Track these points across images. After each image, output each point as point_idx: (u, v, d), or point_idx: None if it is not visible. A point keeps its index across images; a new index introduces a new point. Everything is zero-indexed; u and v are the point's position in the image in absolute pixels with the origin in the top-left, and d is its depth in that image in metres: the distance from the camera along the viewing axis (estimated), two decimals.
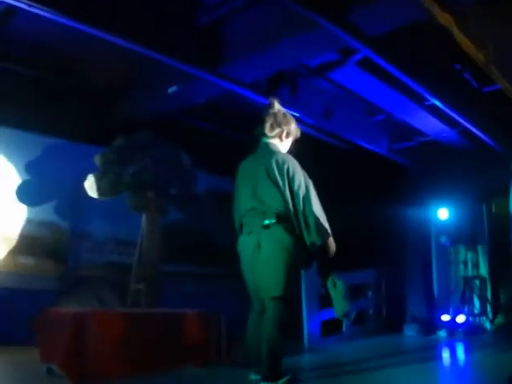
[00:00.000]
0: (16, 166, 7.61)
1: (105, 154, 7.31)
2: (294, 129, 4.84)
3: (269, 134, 4.76)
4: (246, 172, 4.88)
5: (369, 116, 8.95)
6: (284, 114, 4.83)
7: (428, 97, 7.38)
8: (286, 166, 4.50)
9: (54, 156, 7.88)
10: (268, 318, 4.38)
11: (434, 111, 8.05)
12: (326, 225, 4.49)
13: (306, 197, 4.47)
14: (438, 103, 7.46)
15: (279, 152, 4.70)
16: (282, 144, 4.81)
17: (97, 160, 7.29)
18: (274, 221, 4.40)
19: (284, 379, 4.26)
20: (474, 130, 8.29)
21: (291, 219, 4.41)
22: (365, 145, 9.20)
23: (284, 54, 6.23)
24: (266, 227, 4.42)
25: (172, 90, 7.16)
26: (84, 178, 7.22)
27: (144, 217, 7.56)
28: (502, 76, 6.46)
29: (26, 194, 7.60)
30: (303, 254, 4.48)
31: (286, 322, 4.46)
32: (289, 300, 4.42)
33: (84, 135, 7.91)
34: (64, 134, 7.94)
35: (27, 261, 7.49)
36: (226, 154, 9.04)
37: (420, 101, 7.78)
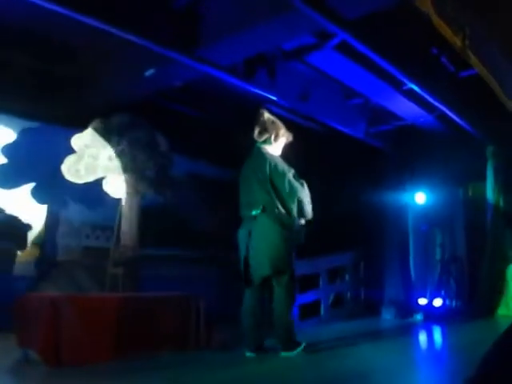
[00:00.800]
0: None
1: (81, 137, 7.26)
2: (282, 133, 5.79)
3: (258, 139, 5.75)
4: (243, 174, 5.77)
5: (346, 100, 8.95)
6: (272, 121, 5.78)
7: (405, 81, 7.38)
8: (271, 165, 5.51)
9: (31, 139, 7.81)
10: (276, 294, 5.41)
11: (411, 95, 8.07)
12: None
13: (291, 187, 5.51)
14: (415, 87, 7.47)
15: (266, 153, 5.65)
16: (272, 147, 5.76)
17: (73, 143, 7.24)
18: (259, 211, 5.41)
19: (300, 348, 5.35)
20: (450, 114, 8.32)
21: (276, 208, 5.40)
22: (342, 128, 9.20)
23: (261, 36, 6.19)
24: (254, 217, 5.44)
25: (149, 72, 7.10)
26: (61, 162, 7.17)
27: (121, 200, 7.53)
28: (479, 61, 6.50)
29: (1, 177, 7.53)
30: (289, 237, 5.43)
31: (292, 296, 5.52)
32: (289, 275, 5.42)
33: (61, 118, 7.83)
34: (41, 116, 7.87)
35: (2, 246, 7.43)
36: (204, 138, 9.04)
37: (397, 85, 7.79)
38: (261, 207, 5.41)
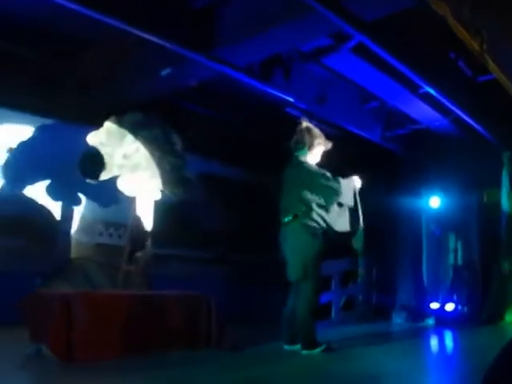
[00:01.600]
0: (7, 145, 7.56)
1: (96, 135, 7.27)
2: (317, 143, 5.97)
3: (294, 148, 5.99)
4: (283, 182, 6.00)
5: (362, 103, 8.93)
6: (308, 131, 5.98)
7: (422, 84, 7.36)
8: (304, 174, 5.83)
9: (46, 136, 7.84)
10: (299, 297, 5.64)
11: (427, 99, 8.04)
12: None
13: (326, 196, 5.74)
14: (431, 91, 7.44)
15: (303, 162, 5.91)
16: (308, 156, 5.97)
17: (89, 141, 7.26)
18: (291, 218, 5.70)
19: (321, 348, 5.54)
20: (467, 119, 8.29)
21: (309, 215, 5.62)
22: (358, 131, 9.17)
23: (278, 38, 6.18)
24: (287, 224, 5.76)
25: (165, 72, 7.11)
26: (76, 159, 7.19)
27: (135, 199, 7.54)
28: (497, 65, 6.46)
29: (16, 173, 7.56)
30: (318, 244, 5.67)
31: (313, 301, 5.69)
32: (311, 281, 5.60)
33: (77, 116, 7.86)
34: (56, 114, 7.90)
35: (16, 242, 7.46)
36: (218, 138, 9.05)
37: (414, 88, 7.76)
38: (292, 215, 5.71)
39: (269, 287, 8.13)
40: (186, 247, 8.90)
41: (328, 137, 6.14)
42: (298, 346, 5.68)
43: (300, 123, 6.06)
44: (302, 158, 5.94)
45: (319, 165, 6.05)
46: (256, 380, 4.43)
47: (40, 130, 7.84)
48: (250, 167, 9.80)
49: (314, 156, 6.02)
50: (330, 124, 9.05)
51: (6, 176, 7.52)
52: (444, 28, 5.59)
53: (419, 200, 10.16)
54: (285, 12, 5.79)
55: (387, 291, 10.01)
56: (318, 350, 5.54)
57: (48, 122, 7.91)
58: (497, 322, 9.00)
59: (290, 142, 6.01)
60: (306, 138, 5.95)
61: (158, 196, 7.66)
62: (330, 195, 5.74)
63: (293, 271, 5.68)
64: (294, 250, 5.69)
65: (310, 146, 5.95)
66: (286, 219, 5.76)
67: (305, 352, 5.55)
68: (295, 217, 5.68)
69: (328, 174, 5.80)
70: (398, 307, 9.80)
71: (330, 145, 6.09)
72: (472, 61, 6.92)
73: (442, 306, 9.27)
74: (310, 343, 5.59)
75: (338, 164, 10.15)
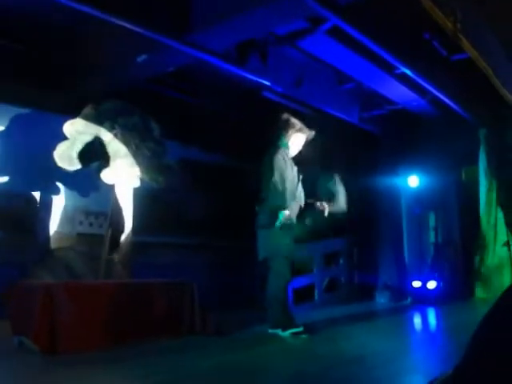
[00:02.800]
0: None
1: (73, 123, 7.21)
2: (294, 133, 6.13)
3: (273, 139, 6.14)
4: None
5: (339, 85, 8.95)
6: (287, 121, 6.14)
7: (397, 65, 7.39)
8: (266, 165, 5.92)
9: (23, 126, 7.77)
10: (269, 275, 5.82)
11: (403, 79, 8.07)
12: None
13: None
14: (407, 71, 7.48)
15: (272, 153, 5.96)
16: (287, 146, 6.14)
17: (65, 129, 7.20)
18: (259, 206, 5.98)
19: (293, 330, 5.59)
20: (443, 98, 8.34)
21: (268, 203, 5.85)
22: (335, 113, 9.20)
23: (253, 21, 6.16)
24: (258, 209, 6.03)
25: (141, 58, 7.08)
26: (53, 148, 7.14)
27: (114, 187, 7.51)
28: (471, 44, 6.49)
29: None
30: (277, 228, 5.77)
31: (282, 278, 5.83)
32: (280, 258, 5.82)
33: (53, 105, 7.80)
34: (33, 103, 7.83)
35: None
36: (197, 124, 9.02)
37: (390, 69, 7.78)
38: (260, 203, 5.96)
39: (254, 272, 8.15)
40: (168, 234, 8.88)
41: (309, 125, 6.28)
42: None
43: (281, 116, 6.22)
44: (278, 149, 6.05)
45: (300, 154, 6.28)
46: (240, 363, 4.47)
47: (16, 120, 7.77)
48: (229, 152, 9.79)
49: (293, 146, 6.21)
50: (307, 106, 9.07)
51: None
52: (418, 8, 5.61)
53: (398, 180, 10.21)
54: None
55: (369, 271, 10.07)
56: (287, 331, 5.63)
57: (24, 111, 7.84)
58: (468, 298, 9.18)
59: (270, 133, 6.20)
60: (284, 129, 6.12)
61: (138, 183, 7.64)
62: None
63: (260, 251, 5.96)
64: (260, 233, 5.97)
65: (288, 137, 6.13)
66: (257, 207, 6.03)
67: (271, 331, 5.69)
68: (261, 204, 5.96)
69: (275, 179, 5.88)
70: (380, 287, 9.87)
71: (311, 134, 6.27)
72: (446, 40, 6.95)
73: (424, 284, 9.35)
74: (279, 322, 5.69)
75: (315, 147, 10.25)
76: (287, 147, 6.16)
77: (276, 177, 5.83)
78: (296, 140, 6.20)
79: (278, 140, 6.12)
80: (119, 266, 7.05)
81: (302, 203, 6.19)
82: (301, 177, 6.20)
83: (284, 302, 5.78)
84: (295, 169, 6.19)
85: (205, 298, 5.82)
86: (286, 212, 5.75)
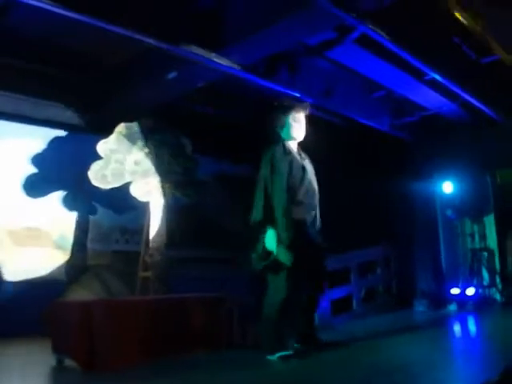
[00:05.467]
0: (20, 159, 7.62)
1: (107, 143, 7.31)
2: (292, 117, 5.23)
3: (272, 130, 5.29)
4: None
5: (369, 93, 8.92)
6: (280, 108, 5.29)
7: (427, 71, 7.35)
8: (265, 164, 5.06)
9: (57, 147, 7.89)
10: (267, 291, 5.01)
11: (433, 85, 8.00)
12: None
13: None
14: (437, 77, 7.43)
15: (270, 150, 5.11)
16: (290, 134, 5.26)
17: (99, 149, 7.29)
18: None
19: (280, 354, 4.76)
20: (474, 101, 8.27)
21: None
22: (366, 122, 9.16)
23: (281, 34, 6.19)
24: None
25: (172, 75, 7.14)
26: (87, 168, 7.23)
27: (149, 204, 7.57)
28: (500, 46, 6.44)
29: (30, 186, 7.62)
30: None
31: (280, 296, 4.89)
32: (281, 274, 4.87)
33: (85, 125, 7.90)
34: (65, 125, 7.95)
35: (34, 253, 7.52)
36: (228, 138, 9.05)
37: (419, 75, 7.72)
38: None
39: None
40: (204, 248, 8.92)
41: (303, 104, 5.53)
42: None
43: (273, 104, 5.36)
44: (276, 143, 5.17)
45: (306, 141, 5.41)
46: (279, 375, 4.44)
47: (51, 142, 7.90)
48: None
49: (296, 130, 5.29)
50: (337, 116, 9.06)
51: (26, 192, 7.59)
52: (445, 13, 5.59)
53: (432, 186, 10.12)
54: (287, 7, 5.79)
55: (407, 279, 9.98)
56: (275, 355, 4.77)
57: (59, 133, 7.96)
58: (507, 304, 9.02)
59: (268, 126, 5.36)
60: (280, 116, 5.27)
61: (171, 199, 7.69)
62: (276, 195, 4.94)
63: (256, 260, 5.03)
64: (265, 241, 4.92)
65: (288, 124, 5.24)
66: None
67: (268, 357, 4.83)
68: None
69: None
70: (418, 295, 9.77)
71: (307, 106, 5.41)
72: (475, 43, 6.91)
73: (463, 291, 9.23)
74: (269, 346, 4.89)
75: (348, 156, 10.23)
76: (288, 136, 5.27)
77: (262, 182, 5.00)
78: (296, 122, 5.27)
79: (279, 132, 5.27)
80: (155, 282, 7.09)
81: (316, 201, 5.24)
82: (311, 170, 5.30)
83: (274, 321, 4.91)
84: (305, 160, 5.33)
85: (244, 310, 5.80)
86: (270, 233, 4.84)
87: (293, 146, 5.28)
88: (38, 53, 7.27)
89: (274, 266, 4.87)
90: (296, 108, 5.29)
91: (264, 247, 4.88)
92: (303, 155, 5.34)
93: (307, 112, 5.37)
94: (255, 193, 5.07)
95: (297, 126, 5.28)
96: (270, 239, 4.82)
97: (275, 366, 4.69)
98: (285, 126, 5.25)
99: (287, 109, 5.28)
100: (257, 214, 4.98)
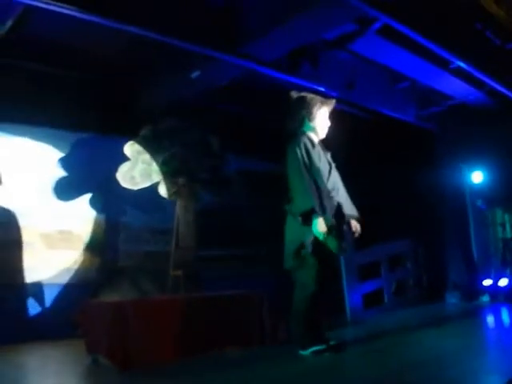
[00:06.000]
0: (48, 163, 7.69)
1: (133, 144, 7.35)
2: (316, 109, 5.12)
3: (291, 127, 5.20)
4: None
5: (393, 84, 8.86)
6: (302, 100, 5.15)
7: (452, 59, 7.28)
8: (291, 155, 4.96)
9: (84, 151, 7.95)
10: (295, 288, 4.98)
11: (459, 73, 7.93)
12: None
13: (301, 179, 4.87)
14: (462, 65, 7.35)
15: (295, 142, 4.98)
16: (313, 128, 5.16)
17: (126, 151, 7.35)
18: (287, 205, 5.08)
19: (317, 347, 4.73)
20: (500, 88, 8.16)
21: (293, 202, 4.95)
22: (391, 113, 9.10)
23: (302, 28, 6.17)
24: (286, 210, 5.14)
25: (195, 74, 7.17)
26: (115, 170, 7.28)
27: (177, 203, 7.60)
28: None
29: (60, 189, 7.68)
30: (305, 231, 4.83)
31: (311, 292, 4.84)
32: (311, 269, 4.84)
33: (110, 127, 7.94)
34: (91, 127, 8.00)
35: (65, 255, 7.60)
36: (252, 135, 9.05)
37: (444, 64, 7.66)
38: (287, 202, 5.02)
39: None
40: (233, 246, 8.93)
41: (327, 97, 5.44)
42: None
43: (289, 97, 5.21)
44: (300, 137, 5.01)
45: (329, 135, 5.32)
46: (310, 370, 4.44)
47: (78, 145, 7.95)
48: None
49: (321, 125, 5.20)
50: (361, 108, 9.01)
51: (56, 196, 7.66)
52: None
53: (461, 177, 10.02)
54: (306, 1, 5.78)
55: (437, 272, 9.91)
56: (312, 349, 4.73)
57: (85, 136, 8.01)
58: None
59: (286, 121, 5.26)
60: (306, 109, 5.12)
61: (200, 198, 7.71)
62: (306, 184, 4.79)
63: (287, 259, 5.01)
64: (288, 237, 5.04)
65: (313, 117, 5.13)
66: (285, 205, 5.06)
67: (301, 353, 4.79)
68: (289, 202, 4.99)
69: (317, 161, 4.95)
70: (450, 287, 9.69)
71: (333, 102, 5.29)
72: (499, 29, 6.83)
73: (495, 282, 9.14)
74: (304, 339, 4.83)
75: (374, 148, 10.16)
76: (313, 130, 5.15)
77: (303, 168, 4.83)
78: (322, 117, 5.17)
79: (302, 125, 5.13)
80: (186, 281, 7.12)
81: (341, 198, 5.02)
82: (334, 164, 5.15)
83: (306, 316, 4.83)
84: (328, 154, 5.19)
85: (274, 306, 5.80)
86: (320, 221, 4.67)
87: (316, 140, 5.17)
88: (58, 57, 7.30)
89: (308, 259, 4.81)
90: (322, 102, 5.18)
91: (301, 243, 4.82)
92: (326, 150, 5.22)
93: (333, 107, 5.28)
94: (293, 183, 4.93)
95: (322, 121, 5.21)
96: (320, 226, 4.66)
97: (309, 361, 4.69)
98: (310, 119, 5.14)
99: (320, 102, 5.17)
100: (304, 202, 4.78)
